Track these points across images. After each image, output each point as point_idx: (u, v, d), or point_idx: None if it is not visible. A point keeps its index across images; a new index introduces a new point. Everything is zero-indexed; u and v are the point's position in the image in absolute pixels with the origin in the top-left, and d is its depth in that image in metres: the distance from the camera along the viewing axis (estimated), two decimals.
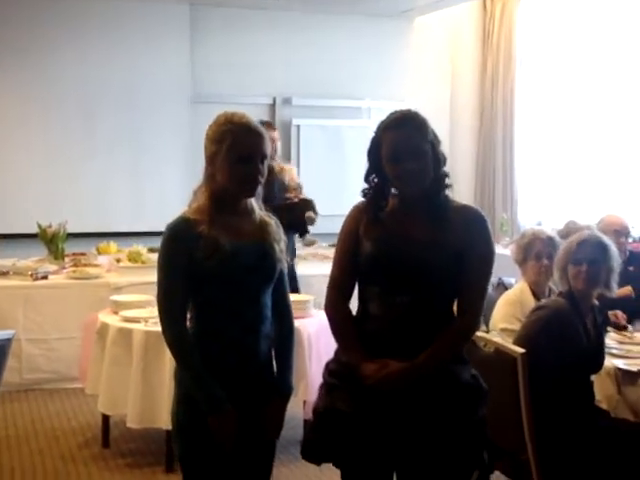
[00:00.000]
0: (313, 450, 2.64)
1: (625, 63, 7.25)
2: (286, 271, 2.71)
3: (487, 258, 2.58)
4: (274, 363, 2.68)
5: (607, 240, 3.70)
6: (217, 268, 2.49)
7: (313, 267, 6.54)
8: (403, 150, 2.52)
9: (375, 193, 2.62)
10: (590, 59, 7.61)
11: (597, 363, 3.65)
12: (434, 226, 2.53)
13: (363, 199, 2.65)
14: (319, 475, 2.70)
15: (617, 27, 7.31)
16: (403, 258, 2.51)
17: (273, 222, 2.67)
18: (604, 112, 7.47)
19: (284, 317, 2.69)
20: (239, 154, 2.52)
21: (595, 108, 7.55)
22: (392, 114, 2.59)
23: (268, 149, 2.59)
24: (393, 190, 2.61)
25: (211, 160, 2.57)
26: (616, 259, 3.65)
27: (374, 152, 2.59)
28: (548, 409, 3.38)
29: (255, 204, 2.65)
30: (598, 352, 3.64)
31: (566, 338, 3.46)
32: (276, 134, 5.96)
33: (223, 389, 2.51)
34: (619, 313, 4.44)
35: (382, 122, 2.59)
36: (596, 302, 3.70)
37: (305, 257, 6.90)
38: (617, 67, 7.33)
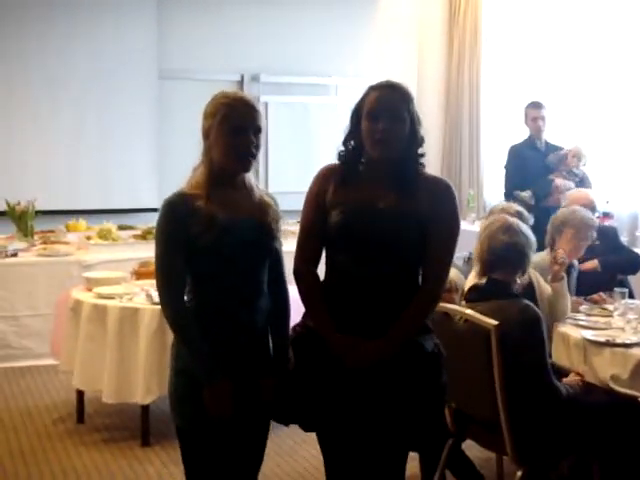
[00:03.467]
0: (284, 412, 2.68)
1: (590, 40, 7.34)
2: (282, 251, 2.72)
3: (452, 229, 2.61)
4: (270, 338, 2.70)
5: (517, 225, 3.66)
6: (213, 242, 2.52)
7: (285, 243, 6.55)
8: (382, 108, 2.56)
9: (349, 156, 2.65)
10: (556, 36, 7.69)
11: None
12: (401, 196, 2.56)
13: (337, 162, 2.67)
14: (312, 444, 2.76)
15: (583, 4, 7.39)
16: (369, 228, 2.54)
17: (272, 201, 2.70)
18: (569, 89, 7.56)
19: (280, 294, 2.71)
20: (232, 125, 2.55)
21: (560, 85, 7.64)
22: (384, 79, 2.66)
23: (262, 123, 2.61)
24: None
25: (207, 134, 2.60)
26: (528, 243, 3.61)
27: (356, 113, 2.63)
28: (519, 379, 3.46)
29: (254, 181, 2.68)
30: None
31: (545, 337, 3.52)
32: None
33: (219, 361, 2.54)
34: (602, 295, 4.52)
35: (372, 84, 2.64)
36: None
37: (284, 233, 6.90)
38: (583, 44, 7.42)
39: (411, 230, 2.54)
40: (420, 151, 2.65)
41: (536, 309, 3.51)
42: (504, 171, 6.92)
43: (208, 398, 2.52)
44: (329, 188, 2.64)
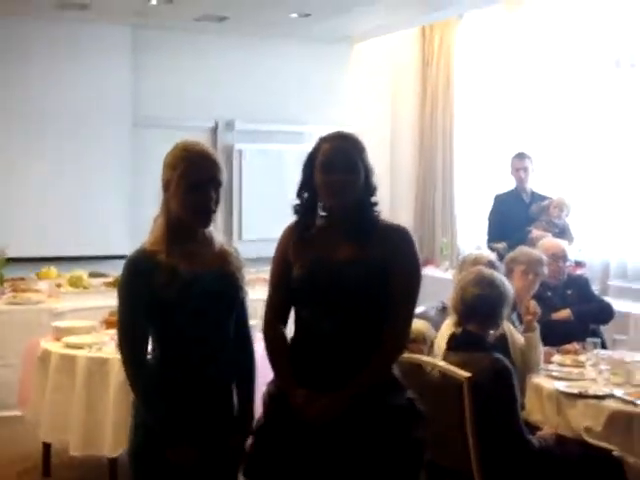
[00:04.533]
0: (253, 469, 2.64)
1: (561, 88, 7.43)
2: (247, 300, 2.70)
3: (413, 277, 2.58)
4: (234, 394, 2.67)
5: (493, 276, 3.71)
6: (177, 296, 2.49)
7: (255, 291, 6.51)
8: (336, 160, 2.56)
9: (304, 209, 2.65)
10: (527, 84, 7.78)
11: None
12: (359, 246, 2.55)
13: (294, 215, 2.67)
14: None
15: (553, 53, 7.48)
16: (326, 278, 2.53)
17: (233, 250, 2.68)
18: (542, 135, 7.63)
19: (245, 347, 2.68)
20: (191, 181, 2.52)
21: (531, 133, 7.71)
22: (335, 131, 2.65)
23: (222, 177, 2.59)
24: (322, 213, 2.65)
25: (166, 187, 2.57)
26: (504, 294, 3.65)
27: (309, 164, 2.63)
28: (492, 431, 3.43)
29: (215, 232, 2.65)
30: None
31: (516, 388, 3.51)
32: None
33: (182, 424, 2.50)
34: (575, 345, 4.53)
35: (323, 136, 2.64)
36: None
37: (248, 282, 6.87)
38: (553, 92, 7.50)
39: (369, 279, 2.52)
40: (374, 199, 2.63)
41: (506, 362, 3.51)
42: (487, 221, 6.97)
43: (172, 459, 2.48)
44: (290, 246, 2.65)
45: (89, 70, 7.85)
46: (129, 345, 2.55)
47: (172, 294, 2.48)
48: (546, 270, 4.78)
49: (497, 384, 3.37)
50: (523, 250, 4.86)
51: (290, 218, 2.75)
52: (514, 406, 3.43)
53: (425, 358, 3.61)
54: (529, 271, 4.66)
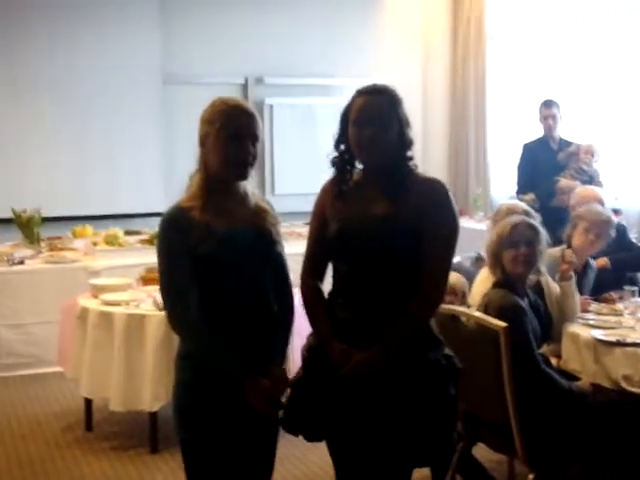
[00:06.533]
0: (291, 421, 2.65)
1: (597, 35, 7.30)
2: (284, 253, 2.70)
3: (449, 233, 2.55)
4: (274, 346, 2.65)
5: (536, 222, 3.76)
6: (211, 252, 2.49)
7: (289, 246, 6.52)
8: (368, 115, 2.53)
9: (340, 163, 2.63)
10: (561, 33, 7.65)
11: (547, 335, 3.79)
12: (394, 200, 2.52)
13: (331, 168, 2.65)
14: (324, 450, 2.73)
15: (587, 3, 7.35)
16: (362, 235, 2.52)
17: (269, 207, 2.68)
18: (576, 85, 7.51)
19: (285, 302, 2.67)
20: (229, 133, 2.52)
21: (566, 83, 7.60)
22: (371, 83, 2.62)
23: (259, 131, 2.58)
24: (359, 167, 2.63)
25: (203, 142, 2.57)
26: (545, 242, 3.69)
27: (344, 117, 2.60)
28: (529, 382, 3.43)
29: (250, 188, 2.65)
30: (544, 327, 3.72)
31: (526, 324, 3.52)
32: None
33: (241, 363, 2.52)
34: (612, 294, 4.49)
35: (359, 89, 2.61)
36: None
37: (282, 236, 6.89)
38: (590, 38, 7.38)
39: (406, 235, 2.50)
40: (409, 154, 2.59)
41: (516, 298, 3.53)
42: (516, 170, 6.88)
43: (252, 397, 2.49)
44: (327, 201, 2.64)
45: (118, 29, 7.82)
46: (176, 301, 2.53)
47: (207, 250, 2.49)
48: (613, 233, 4.63)
49: (503, 317, 3.37)
50: (592, 208, 4.65)
51: (322, 172, 2.73)
52: (526, 340, 3.45)
53: (461, 309, 3.60)
54: (590, 230, 4.50)
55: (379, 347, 2.47)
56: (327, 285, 2.68)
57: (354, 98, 2.59)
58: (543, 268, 3.77)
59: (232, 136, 2.52)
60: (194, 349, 2.56)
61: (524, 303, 3.57)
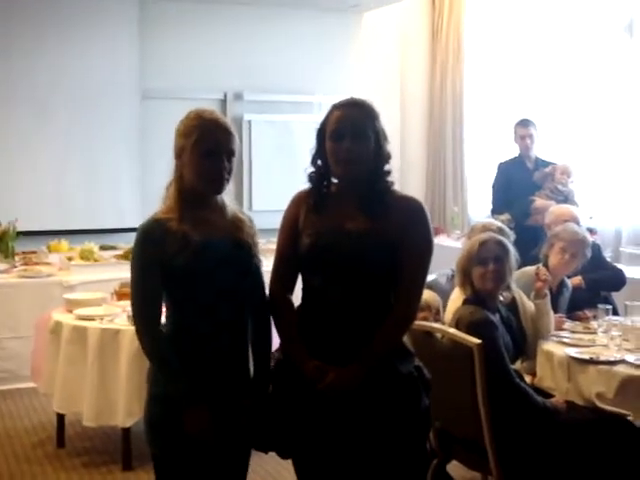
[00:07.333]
0: (262, 439, 2.62)
1: (571, 55, 7.36)
2: (262, 267, 2.68)
3: (424, 250, 2.55)
4: (250, 361, 2.65)
5: (505, 240, 3.78)
6: (188, 262, 2.48)
7: (266, 261, 6.52)
8: (345, 128, 2.52)
9: (317, 178, 2.62)
10: (537, 52, 7.71)
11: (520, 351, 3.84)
12: (370, 216, 2.52)
13: (308, 184, 2.64)
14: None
15: (563, 20, 7.41)
16: (336, 250, 2.50)
17: (246, 218, 2.66)
18: (552, 103, 7.57)
19: (261, 315, 2.65)
20: (204, 149, 2.51)
21: (544, 100, 7.65)
22: (348, 97, 2.62)
23: (235, 146, 2.58)
24: (335, 181, 2.62)
25: (179, 155, 2.56)
26: (514, 258, 3.71)
27: (321, 132, 2.59)
28: (503, 396, 3.44)
29: (227, 200, 2.64)
30: (517, 342, 3.75)
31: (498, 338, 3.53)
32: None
33: (197, 385, 2.49)
34: (586, 312, 4.51)
35: (335, 103, 2.61)
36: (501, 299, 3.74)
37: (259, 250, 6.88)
38: (564, 59, 7.43)
39: (380, 251, 2.50)
40: (387, 168, 2.59)
41: (486, 313, 3.55)
42: (491, 189, 6.90)
43: (188, 422, 2.47)
44: (301, 213, 2.62)
45: (97, 43, 7.79)
46: (143, 313, 2.53)
47: (183, 261, 2.48)
48: (589, 253, 4.65)
49: (473, 333, 3.39)
50: (569, 228, 4.68)
51: (300, 188, 2.71)
52: (498, 355, 3.46)
53: (435, 325, 3.61)
54: (567, 250, 4.53)
55: (356, 365, 2.47)
56: (296, 299, 2.66)
57: (331, 112, 2.58)
58: (513, 285, 3.78)
59: (207, 152, 2.52)
60: (146, 354, 2.55)
61: (495, 318, 3.59)
